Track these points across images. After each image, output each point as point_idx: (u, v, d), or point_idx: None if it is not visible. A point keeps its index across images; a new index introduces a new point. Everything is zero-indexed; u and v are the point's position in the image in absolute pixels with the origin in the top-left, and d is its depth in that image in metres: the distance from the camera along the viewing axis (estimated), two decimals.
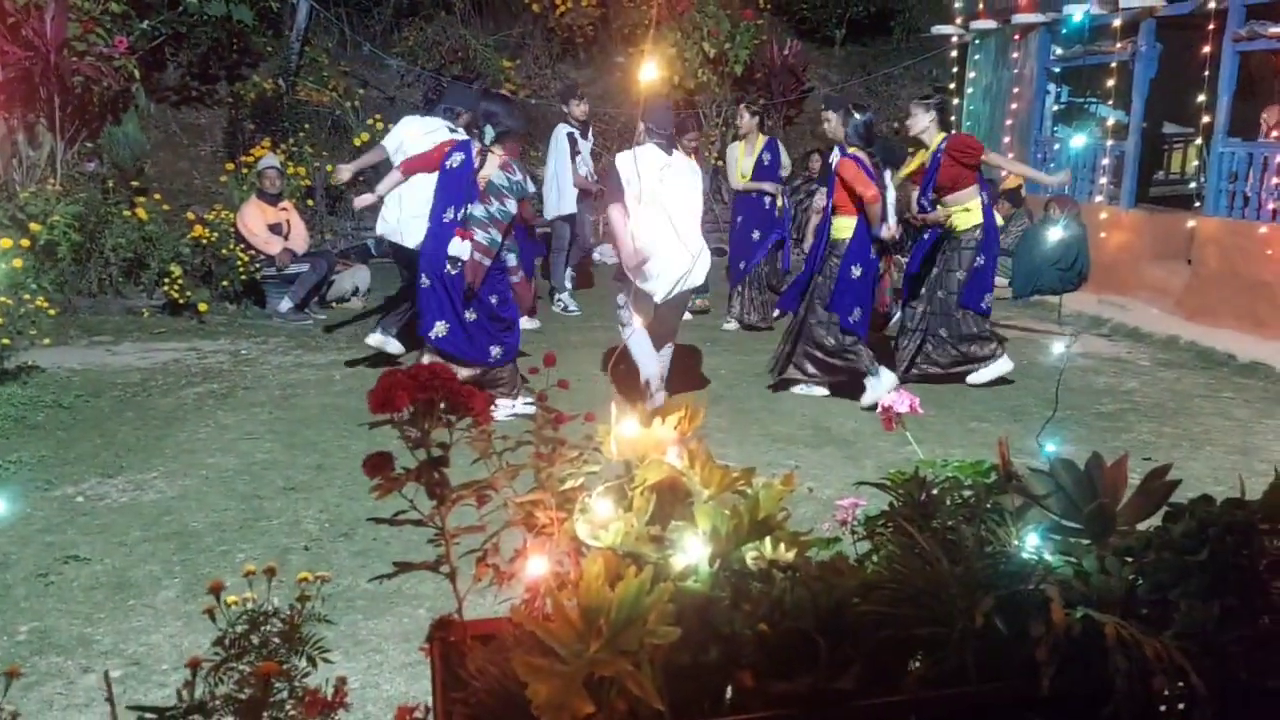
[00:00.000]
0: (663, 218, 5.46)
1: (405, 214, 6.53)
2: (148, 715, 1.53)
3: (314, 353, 7.35)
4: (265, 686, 1.57)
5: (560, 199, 8.72)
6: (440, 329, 5.61)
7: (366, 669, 3.14)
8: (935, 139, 6.59)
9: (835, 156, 6.18)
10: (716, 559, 1.51)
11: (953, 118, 7.32)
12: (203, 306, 8.25)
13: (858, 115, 6.12)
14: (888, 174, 6.17)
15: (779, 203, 8.49)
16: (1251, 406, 6.41)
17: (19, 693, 1.68)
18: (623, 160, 5.53)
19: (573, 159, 8.70)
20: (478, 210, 5.51)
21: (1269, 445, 5.59)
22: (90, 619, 3.39)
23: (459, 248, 5.52)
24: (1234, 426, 5.98)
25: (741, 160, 8.47)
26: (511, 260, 5.77)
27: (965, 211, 6.56)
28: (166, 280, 8.23)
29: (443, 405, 1.45)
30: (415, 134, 6.67)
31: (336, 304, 9.02)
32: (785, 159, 8.55)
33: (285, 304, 8.49)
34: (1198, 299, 8.63)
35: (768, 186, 8.33)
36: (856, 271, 6.07)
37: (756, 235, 8.42)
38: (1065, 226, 9.43)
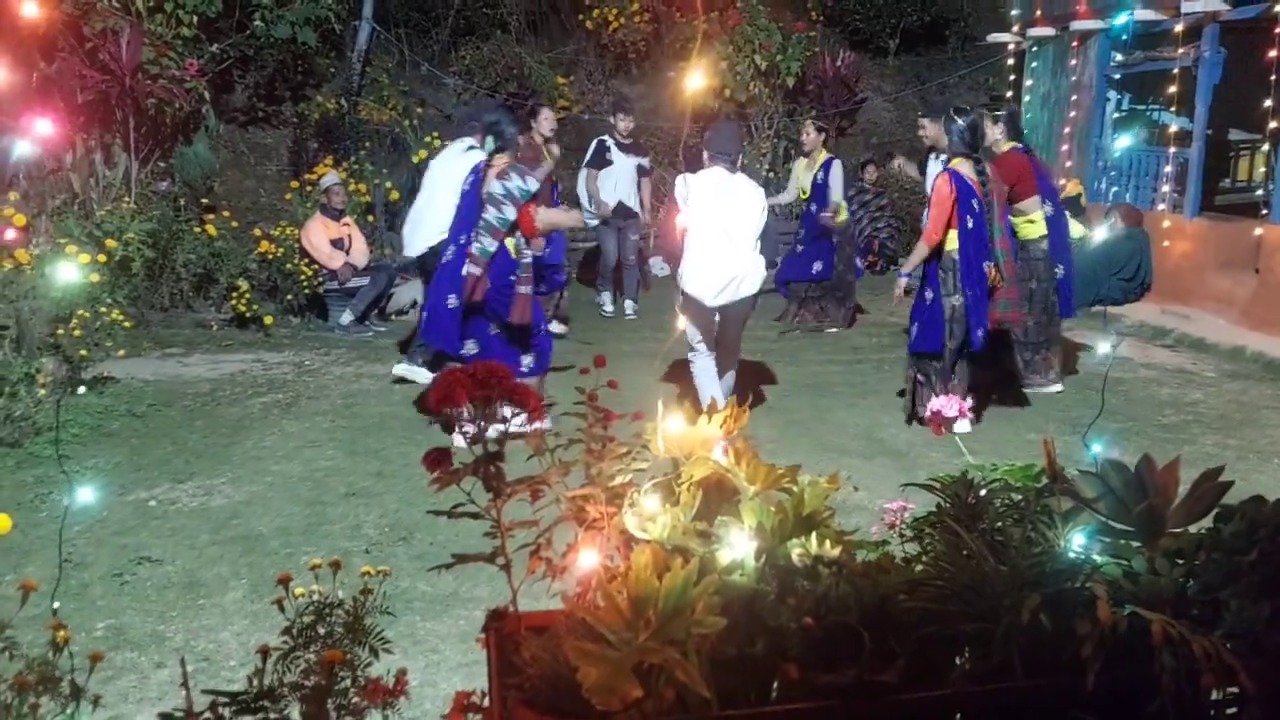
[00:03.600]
0: (718, 231, 5.46)
1: (409, 225, 6.79)
2: (221, 699, 1.61)
3: (374, 363, 7.51)
4: (330, 674, 1.65)
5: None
6: (470, 347, 5.58)
7: (424, 668, 3.22)
8: (1004, 149, 6.51)
9: (935, 168, 6.11)
10: (762, 554, 1.55)
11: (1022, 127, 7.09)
12: (268, 319, 8.47)
13: (960, 120, 5.74)
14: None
15: (840, 217, 8.53)
16: None
17: (96, 685, 1.78)
18: (681, 183, 5.57)
19: (599, 168, 8.95)
20: (480, 221, 5.49)
21: None
22: (163, 617, 3.53)
23: (468, 264, 5.52)
24: None
25: (802, 176, 8.54)
26: (521, 271, 5.60)
27: (1029, 223, 6.49)
28: (234, 295, 8.49)
29: (499, 402, 1.51)
30: (449, 156, 6.77)
31: (396, 316, 9.22)
32: (837, 182, 8.42)
33: (347, 317, 8.69)
34: (1265, 309, 8.42)
35: (825, 217, 8.36)
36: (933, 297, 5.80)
37: (800, 250, 8.58)
38: (1128, 235, 9.29)
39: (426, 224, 6.52)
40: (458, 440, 1.44)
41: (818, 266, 8.53)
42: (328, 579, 1.90)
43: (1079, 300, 9.51)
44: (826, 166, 8.44)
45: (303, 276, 8.69)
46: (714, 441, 1.61)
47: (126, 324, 6.69)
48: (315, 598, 1.83)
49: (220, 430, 5.80)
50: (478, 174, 5.63)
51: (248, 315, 8.46)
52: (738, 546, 1.52)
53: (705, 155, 5.63)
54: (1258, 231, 8.73)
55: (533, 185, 5.61)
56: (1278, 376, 7.24)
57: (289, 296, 8.77)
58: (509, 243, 5.49)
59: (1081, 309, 9.46)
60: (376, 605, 1.83)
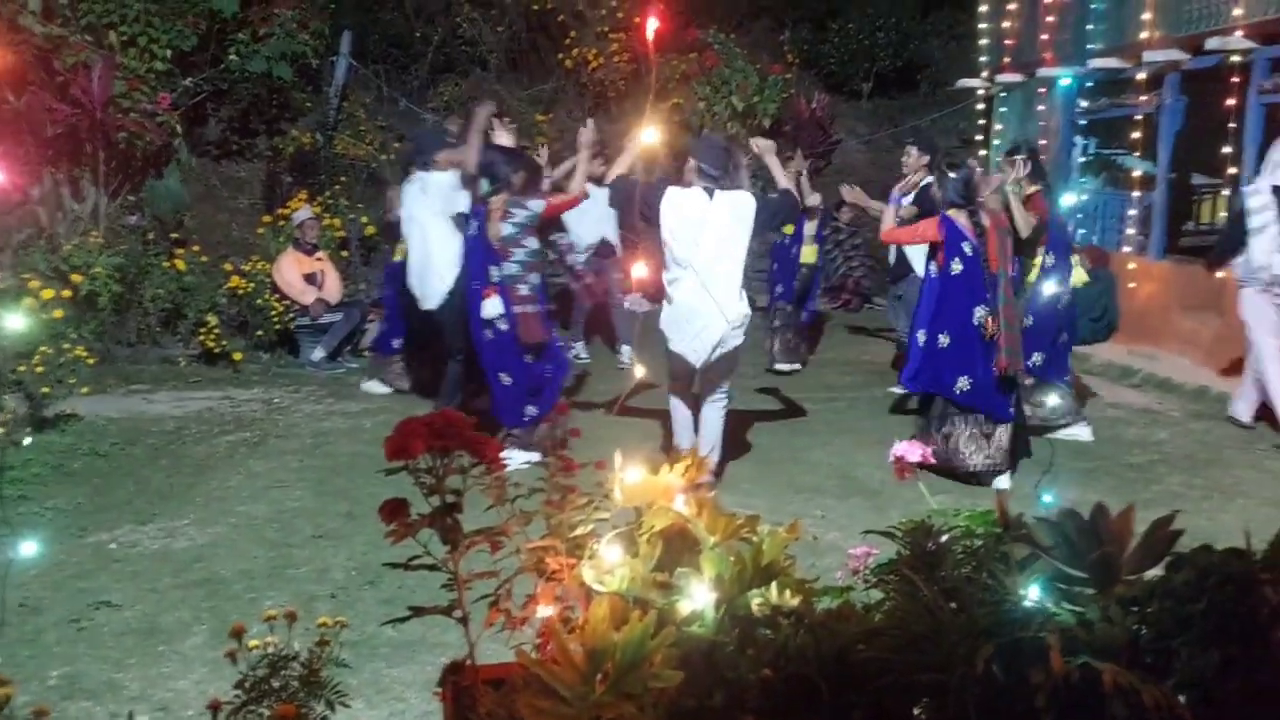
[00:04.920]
0: (700, 276, 5.14)
1: (415, 278, 6.63)
2: None
3: (345, 401, 7.46)
4: None
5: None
6: (505, 379, 5.65)
7: (388, 716, 3.18)
8: (1029, 190, 6.37)
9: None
10: (721, 605, 1.55)
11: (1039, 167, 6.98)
12: (237, 355, 8.41)
13: (954, 174, 5.76)
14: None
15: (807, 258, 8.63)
16: None
17: None
18: (664, 208, 5.18)
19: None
20: (509, 268, 5.53)
21: None
22: (120, 664, 3.46)
23: (488, 307, 5.58)
24: (1267, 479, 5.91)
25: None
26: (523, 290, 5.66)
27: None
28: (203, 330, 8.42)
29: (457, 453, 1.51)
30: (411, 199, 6.67)
31: (369, 353, 9.14)
32: (810, 229, 8.63)
33: (318, 353, 8.65)
34: (1229, 350, 8.54)
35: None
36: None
37: (780, 289, 8.61)
38: (1095, 277, 9.41)
39: (432, 275, 6.40)
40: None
41: (779, 289, 8.59)
42: (284, 628, 1.88)
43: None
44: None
45: (274, 312, 8.64)
46: (675, 491, 1.62)
47: (90, 360, 6.62)
48: (271, 649, 1.81)
49: (185, 470, 5.74)
50: (480, 218, 5.68)
51: (216, 351, 8.39)
52: (697, 597, 1.52)
53: (690, 167, 5.29)
54: (1221, 274, 8.88)
55: (537, 206, 5.71)
56: None
57: (259, 332, 8.72)
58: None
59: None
60: (333, 657, 1.81)
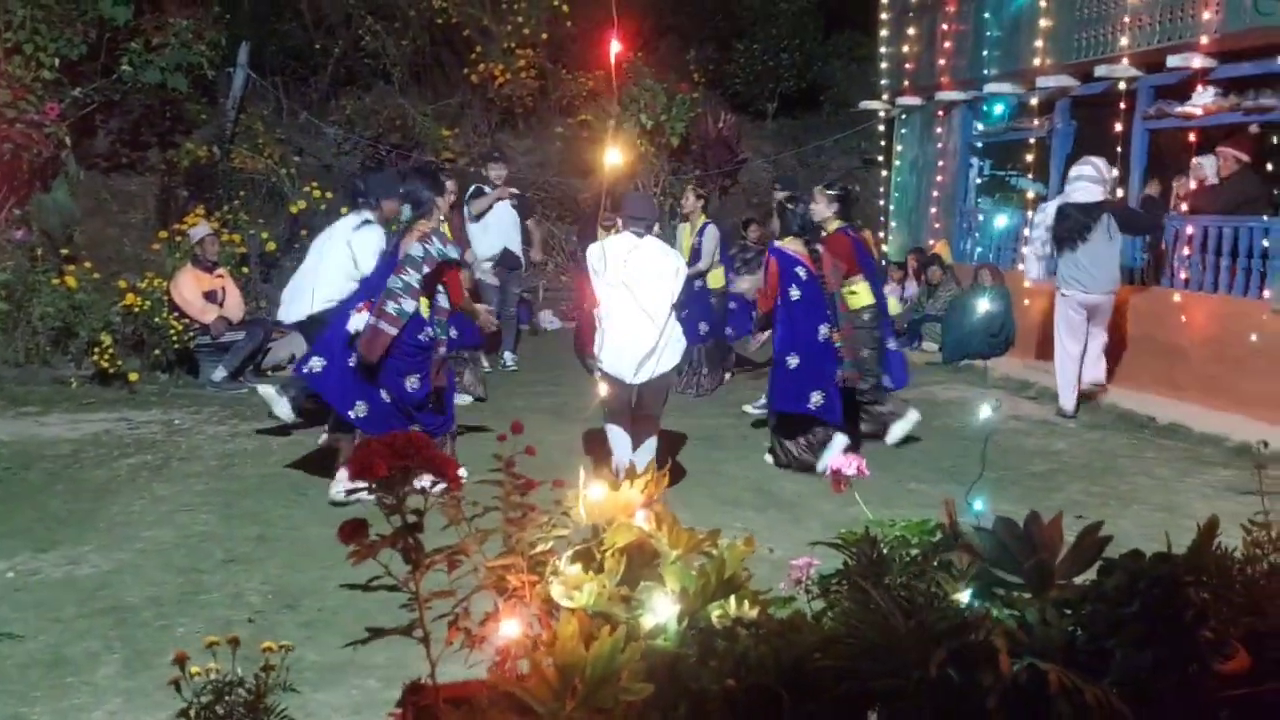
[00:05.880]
0: (630, 301, 5.38)
1: (287, 292, 6.84)
2: None
3: (250, 422, 7.24)
4: None
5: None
6: (360, 410, 5.42)
7: None
8: (831, 229, 6.67)
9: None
10: (684, 617, 1.57)
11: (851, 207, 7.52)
12: (133, 376, 8.08)
13: (794, 207, 6.40)
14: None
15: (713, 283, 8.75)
16: (1173, 466, 6.66)
17: None
18: (593, 251, 5.53)
19: (475, 219, 9.01)
20: (394, 282, 5.40)
21: (1190, 503, 5.81)
22: (25, 698, 3.29)
23: (354, 320, 5.45)
24: (1157, 485, 6.22)
25: (684, 241, 8.63)
26: (390, 308, 5.40)
27: (852, 294, 6.62)
28: (96, 349, 8.06)
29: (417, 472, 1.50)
30: (339, 230, 6.63)
31: (272, 372, 8.90)
32: (707, 247, 8.61)
33: (220, 373, 8.38)
34: (1117, 364, 8.97)
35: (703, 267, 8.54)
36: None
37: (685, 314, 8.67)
38: (992, 294, 9.78)
39: (305, 294, 6.56)
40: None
41: (704, 328, 8.64)
42: (218, 655, 1.82)
43: (948, 355, 10.00)
44: (702, 231, 8.65)
45: (172, 331, 8.33)
46: (634, 507, 1.63)
47: None
48: (212, 675, 1.75)
49: (84, 495, 5.49)
50: (399, 238, 5.58)
51: (111, 371, 8.04)
52: (660, 611, 1.53)
53: (618, 222, 5.73)
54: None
55: (454, 253, 5.61)
56: (1132, 427, 7.70)
57: (156, 352, 8.38)
58: (422, 303, 5.42)
59: (951, 363, 9.94)
60: (279, 681, 1.77)
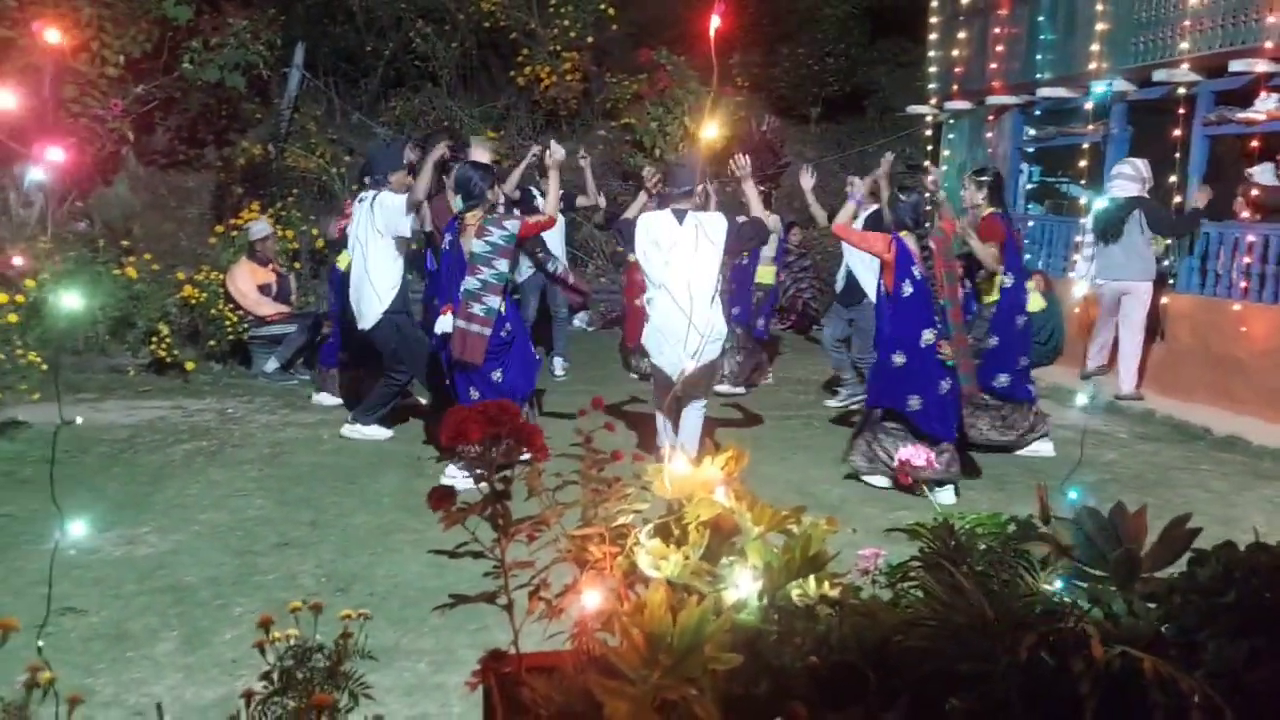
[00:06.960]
0: (674, 294, 5.37)
1: (354, 295, 6.61)
2: None
3: (300, 412, 7.33)
4: (318, 718, 1.59)
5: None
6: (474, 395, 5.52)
7: None
8: (985, 212, 6.71)
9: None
10: (766, 594, 1.56)
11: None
12: (189, 365, 8.22)
13: (906, 197, 5.88)
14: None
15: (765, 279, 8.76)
16: (1230, 479, 6.52)
17: None
18: (638, 231, 5.50)
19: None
20: (470, 284, 5.45)
21: (1249, 516, 5.68)
22: (90, 670, 3.35)
23: (442, 323, 5.51)
24: (1214, 498, 6.09)
25: None
26: (476, 309, 5.51)
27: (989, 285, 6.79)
28: (154, 339, 8.21)
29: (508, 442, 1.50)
30: (360, 217, 6.62)
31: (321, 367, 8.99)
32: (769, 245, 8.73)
33: (271, 364, 8.49)
34: (1171, 374, 8.82)
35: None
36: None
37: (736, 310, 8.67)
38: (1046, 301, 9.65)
39: (369, 295, 6.41)
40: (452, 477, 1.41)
41: (736, 310, 8.63)
42: (300, 620, 1.85)
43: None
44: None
45: (227, 322, 8.47)
46: (715, 483, 1.62)
47: (43, 366, 6.42)
48: (293, 642, 1.77)
49: (141, 478, 5.58)
50: (454, 231, 5.60)
51: (167, 360, 8.19)
52: (743, 586, 1.52)
53: (663, 197, 5.66)
54: (1164, 300, 9.17)
55: (513, 226, 5.58)
56: (1186, 439, 7.55)
57: (211, 342, 8.53)
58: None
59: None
60: (357, 649, 1.78)
